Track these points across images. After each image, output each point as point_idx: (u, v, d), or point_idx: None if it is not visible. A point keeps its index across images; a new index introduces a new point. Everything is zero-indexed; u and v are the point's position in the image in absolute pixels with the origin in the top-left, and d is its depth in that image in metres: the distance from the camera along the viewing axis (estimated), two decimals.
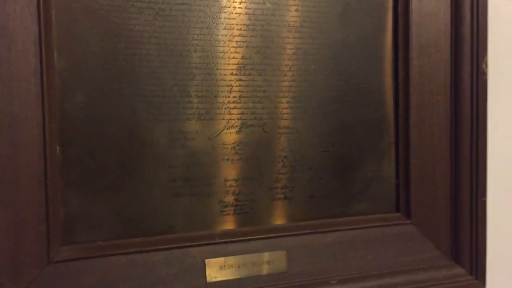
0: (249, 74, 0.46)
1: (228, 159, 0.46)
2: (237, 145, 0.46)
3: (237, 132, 0.46)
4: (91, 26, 0.41)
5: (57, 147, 0.41)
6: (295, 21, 0.47)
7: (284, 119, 0.48)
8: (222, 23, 0.45)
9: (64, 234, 0.41)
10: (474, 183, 0.52)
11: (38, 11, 0.39)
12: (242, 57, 0.45)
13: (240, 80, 0.45)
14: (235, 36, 0.45)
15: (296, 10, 0.47)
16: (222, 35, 0.45)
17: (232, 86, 0.46)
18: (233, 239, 0.46)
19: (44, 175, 0.39)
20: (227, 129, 0.46)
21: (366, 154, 0.51)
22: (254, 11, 0.46)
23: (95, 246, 0.42)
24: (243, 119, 0.46)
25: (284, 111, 0.47)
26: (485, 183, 0.52)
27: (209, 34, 0.44)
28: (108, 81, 0.41)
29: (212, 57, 0.44)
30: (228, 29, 0.45)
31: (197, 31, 0.44)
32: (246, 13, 0.45)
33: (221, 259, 0.45)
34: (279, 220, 0.48)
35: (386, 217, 0.52)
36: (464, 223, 0.52)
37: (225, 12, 0.45)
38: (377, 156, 0.51)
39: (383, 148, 0.51)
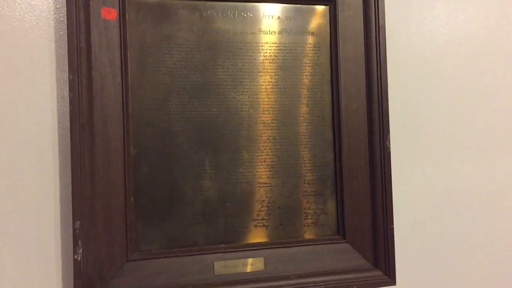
0: (241, 152, 0.77)
1: (228, 203, 0.76)
2: (233, 194, 0.76)
3: (233, 186, 0.76)
4: (151, 132, 0.73)
5: (132, 198, 0.72)
6: (268, 120, 0.78)
7: (262, 177, 0.78)
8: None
9: (135, 245, 0.72)
10: (385, 216, 0.80)
11: (123, 125, 0.71)
12: None
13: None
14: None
15: (269, 113, 0.78)
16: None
17: (230, 161, 0.76)
18: (231, 250, 0.75)
19: (125, 213, 0.71)
20: (227, 185, 0.76)
21: (316, 198, 0.80)
22: (241, 115, 0.77)
23: (151, 252, 0.73)
24: (237, 178, 0.76)
25: (262, 173, 0.78)
26: (392, 216, 0.80)
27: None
28: (160, 161, 0.73)
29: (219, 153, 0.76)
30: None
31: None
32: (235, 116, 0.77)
33: (223, 262, 0.74)
34: (259, 239, 0.78)
35: (330, 238, 0.80)
36: (380, 241, 0.80)
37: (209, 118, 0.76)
38: (324, 199, 0.80)
39: (327, 194, 0.81)
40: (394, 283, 0.79)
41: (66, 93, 0.69)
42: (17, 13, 0.69)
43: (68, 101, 0.68)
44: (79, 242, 0.67)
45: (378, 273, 0.80)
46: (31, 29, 0.69)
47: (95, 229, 0.69)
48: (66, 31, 0.69)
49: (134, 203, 0.72)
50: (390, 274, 0.79)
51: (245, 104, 0.77)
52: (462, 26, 0.87)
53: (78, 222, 0.67)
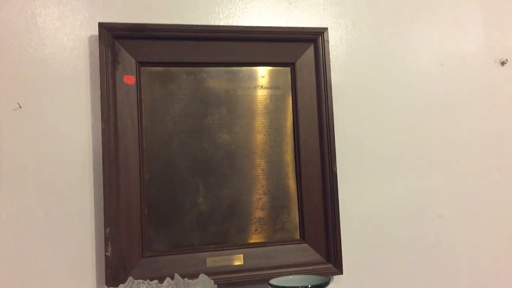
0: (225, 177, 1.02)
1: (216, 214, 1.01)
2: (220, 208, 1.02)
3: (220, 202, 1.02)
4: (159, 163, 0.99)
5: (146, 210, 0.97)
6: (247, 153, 1.04)
7: (242, 195, 1.03)
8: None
9: (148, 246, 0.97)
10: (334, 223, 1.04)
11: (139, 158, 0.97)
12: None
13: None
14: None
15: (247, 148, 1.04)
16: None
17: (218, 183, 1.02)
18: (219, 249, 1.00)
19: (141, 222, 0.96)
20: (215, 201, 1.02)
21: (283, 210, 1.05)
22: (226, 150, 1.03)
23: (160, 251, 0.98)
24: (223, 196, 1.02)
25: (242, 192, 1.03)
26: (339, 223, 1.04)
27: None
28: (165, 184, 0.99)
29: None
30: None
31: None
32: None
33: (213, 258, 0.99)
34: (240, 240, 1.02)
35: (293, 240, 1.04)
36: (331, 242, 1.04)
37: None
38: (289, 210, 1.05)
39: (291, 207, 1.05)
40: (341, 273, 1.04)
41: (99, 137, 0.95)
42: (66, 82, 0.96)
43: (101, 143, 0.94)
44: (109, 243, 0.92)
45: (329, 265, 1.04)
46: (76, 92, 0.96)
47: (119, 234, 0.94)
48: (100, 92, 0.95)
49: (148, 215, 0.97)
50: (338, 266, 1.04)
51: (228, 141, 1.03)
52: (399, 65, 1.13)
53: (108, 229, 0.92)
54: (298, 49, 1.07)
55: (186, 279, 0.85)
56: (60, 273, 0.92)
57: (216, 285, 0.81)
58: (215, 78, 1.04)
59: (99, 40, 0.95)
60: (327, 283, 0.82)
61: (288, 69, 1.07)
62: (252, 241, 1.03)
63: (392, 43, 1.14)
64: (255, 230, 1.03)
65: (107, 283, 0.91)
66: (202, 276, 0.83)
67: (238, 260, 1.00)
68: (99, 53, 0.95)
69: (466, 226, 1.14)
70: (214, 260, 0.99)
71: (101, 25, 0.96)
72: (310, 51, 1.07)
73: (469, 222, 1.14)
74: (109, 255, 0.92)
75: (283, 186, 1.05)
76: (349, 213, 1.07)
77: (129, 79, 0.98)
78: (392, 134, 1.11)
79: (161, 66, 1.01)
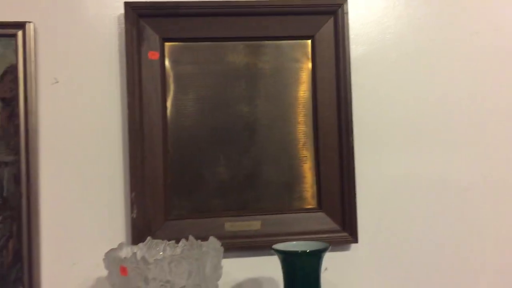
0: (245, 147, 1.07)
1: (236, 183, 1.07)
2: (239, 177, 1.07)
3: (239, 171, 1.07)
4: (182, 134, 1.05)
5: (169, 177, 1.04)
6: (266, 123, 1.08)
7: (261, 165, 1.07)
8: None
9: (172, 210, 1.05)
10: (350, 193, 1.06)
11: (163, 130, 1.04)
12: None
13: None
14: None
15: (265, 119, 1.08)
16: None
17: (237, 153, 1.07)
18: (238, 215, 1.06)
19: (164, 189, 1.03)
20: (235, 170, 1.07)
21: (301, 180, 1.09)
22: (244, 121, 1.07)
23: (183, 215, 1.05)
24: (242, 166, 1.07)
25: (261, 162, 1.07)
26: (355, 193, 1.06)
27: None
28: (188, 154, 1.05)
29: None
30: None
31: None
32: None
33: (231, 223, 1.05)
34: (258, 208, 1.07)
35: (310, 209, 1.08)
36: (346, 211, 1.07)
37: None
38: (306, 180, 1.08)
39: (309, 177, 1.08)
40: (356, 241, 1.06)
41: (126, 110, 1.03)
42: (98, 59, 1.04)
43: (128, 115, 1.02)
44: (134, 206, 1.01)
45: (345, 234, 1.07)
46: (107, 67, 1.04)
47: (145, 198, 1.02)
48: (126, 68, 1.02)
49: (171, 181, 1.05)
50: (353, 234, 1.06)
51: (248, 113, 1.07)
52: (420, 28, 1.11)
53: (133, 193, 1.01)
54: (317, 22, 1.08)
55: (199, 240, 0.92)
56: (93, 233, 1.02)
57: (222, 248, 0.87)
58: (235, 52, 1.07)
59: (125, 18, 1.02)
60: (326, 249, 0.85)
61: (307, 41, 1.09)
62: (269, 208, 1.07)
63: (415, 13, 1.11)
64: (273, 198, 1.07)
65: (133, 243, 0.99)
66: (212, 239, 0.89)
67: (255, 226, 1.05)
68: (125, 31, 1.02)
69: (492, 200, 1.11)
70: (232, 225, 1.05)
71: (127, 4, 1.02)
72: (329, 24, 1.08)
73: (495, 196, 1.11)
74: (134, 217, 1.01)
75: (301, 156, 1.08)
76: (367, 184, 1.08)
77: (154, 55, 1.04)
78: (413, 106, 1.10)
79: (183, 41, 1.06)
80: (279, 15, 1.07)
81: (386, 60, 1.10)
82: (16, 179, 0.99)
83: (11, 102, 1.00)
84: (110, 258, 0.82)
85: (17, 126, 0.99)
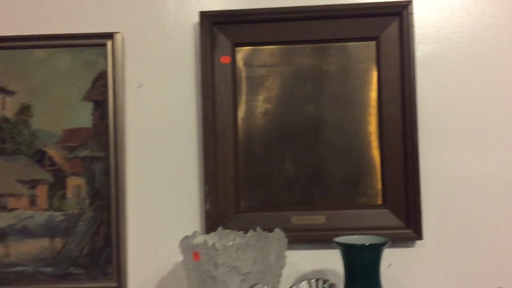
0: (310, 145, 1.12)
1: (302, 178, 1.12)
2: (305, 173, 1.12)
3: (305, 168, 1.12)
4: (251, 132, 1.13)
5: (239, 173, 1.12)
6: (332, 122, 1.12)
7: (326, 162, 1.12)
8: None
9: (241, 203, 1.13)
10: (415, 191, 1.08)
11: (234, 128, 1.12)
12: None
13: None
14: None
15: (331, 118, 1.12)
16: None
17: (303, 150, 1.12)
18: (303, 210, 1.11)
19: (235, 183, 1.11)
20: (301, 166, 1.12)
21: (365, 177, 1.12)
22: (311, 120, 1.12)
23: (252, 208, 1.12)
24: (308, 162, 1.12)
25: (327, 159, 1.12)
26: (419, 190, 1.08)
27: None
28: (257, 150, 1.12)
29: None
30: None
31: None
32: None
33: (297, 216, 1.11)
34: (323, 203, 1.12)
35: (374, 205, 1.11)
36: (411, 208, 1.08)
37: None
38: (371, 177, 1.11)
39: (373, 174, 1.11)
40: (421, 238, 1.08)
41: (201, 111, 1.12)
42: (176, 64, 1.14)
43: (202, 116, 1.11)
44: (208, 199, 1.10)
45: (409, 231, 1.08)
46: (185, 72, 1.14)
47: (217, 192, 1.11)
48: (201, 72, 1.12)
49: (241, 178, 1.12)
50: (418, 231, 1.08)
51: (315, 113, 1.12)
52: (487, 26, 1.10)
53: (207, 187, 1.10)
54: (382, 23, 1.11)
55: (265, 232, 0.98)
56: (172, 222, 1.12)
57: (286, 240, 0.93)
58: (302, 55, 1.13)
59: (200, 26, 1.11)
60: (385, 243, 0.88)
61: (373, 43, 1.12)
62: (334, 204, 1.11)
63: (483, 11, 1.10)
64: (338, 194, 1.12)
65: (206, 232, 1.08)
66: (277, 230, 0.96)
67: (320, 220, 1.10)
68: (200, 38, 1.11)
69: None
70: (298, 218, 1.11)
71: (202, 13, 1.11)
72: (394, 25, 1.10)
73: None
74: (208, 208, 1.10)
75: (366, 154, 1.11)
76: (431, 182, 1.09)
77: (225, 59, 1.12)
78: (479, 105, 1.09)
79: (253, 45, 1.13)
80: (344, 18, 1.11)
81: (452, 60, 1.10)
82: (106, 172, 1.12)
83: (102, 104, 1.13)
84: (185, 244, 0.91)
85: (107, 126, 1.12)
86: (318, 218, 1.10)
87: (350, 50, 1.13)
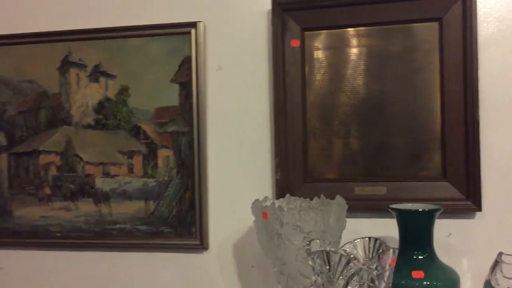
0: (375, 121, 1.20)
1: (365, 152, 1.21)
2: (369, 147, 1.21)
3: (369, 142, 1.21)
4: (317, 109, 1.23)
5: (307, 145, 1.23)
6: (393, 100, 1.19)
7: (388, 137, 1.20)
8: None
9: (309, 174, 1.23)
10: (475, 164, 1.12)
11: (302, 106, 1.23)
12: None
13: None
14: None
15: (393, 95, 1.19)
16: None
17: (368, 125, 1.21)
18: (366, 180, 1.20)
19: (303, 155, 1.23)
20: (365, 141, 1.21)
21: (426, 152, 1.18)
22: (373, 97, 1.20)
23: (318, 178, 1.23)
24: (371, 137, 1.21)
25: (389, 134, 1.20)
26: (479, 164, 1.12)
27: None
28: (325, 126, 1.22)
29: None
30: None
31: None
32: None
33: (360, 187, 1.20)
34: (385, 175, 1.20)
35: (435, 178, 1.17)
36: (471, 181, 1.13)
37: None
38: (432, 152, 1.17)
39: (435, 149, 1.17)
40: (480, 209, 1.13)
41: (272, 90, 1.24)
42: (252, 48, 1.27)
43: (273, 94, 1.23)
44: (278, 169, 1.22)
45: (468, 202, 1.13)
46: (259, 55, 1.26)
47: (287, 163, 1.23)
48: (272, 55, 1.23)
49: (309, 151, 1.23)
50: (477, 203, 1.13)
51: (380, 91, 1.19)
52: None
53: (277, 158, 1.22)
54: (446, 4, 1.15)
55: (328, 199, 1.09)
56: (247, 189, 1.26)
57: (346, 205, 1.03)
58: (367, 37, 1.20)
59: (272, 13, 1.22)
60: (437, 210, 0.95)
61: (436, 23, 1.17)
62: (395, 176, 1.19)
63: None
64: (399, 167, 1.19)
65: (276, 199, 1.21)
66: (338, 197, 1.06)
67: (381, 191, 1.19)
68: (272, 24, 1.23)
69: None
70: (361, 189, 1.20)
71: (274, 1, 1.22)
72: (458, 5, 1.14)
73: None
74: (278, 178, 1.22)
75: (428, 130, 1.17)
76: (492, 156, 1.13)
77: (295, 43, 1.23)
78: None
79: (320, 29, 1.23)
80: (409, 0, 1.17)
81: None
82: (190, 145, 1.28)
83: (186, 85, 1.28)
84: (256, 206, 1.04)
85: (191, 104, 1.28)
86: (380, 189, 1.19)
87: (414, 31, 1.18)
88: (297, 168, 1.23)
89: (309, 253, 0.83)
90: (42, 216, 1.36)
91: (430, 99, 1.17)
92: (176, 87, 1.29)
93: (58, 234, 1.35)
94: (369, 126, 1.20)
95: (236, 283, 1.27)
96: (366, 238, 0.90)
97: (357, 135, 1.21)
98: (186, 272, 1.29)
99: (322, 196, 1.10)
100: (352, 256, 0.80)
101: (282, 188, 1.22)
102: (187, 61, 1.28)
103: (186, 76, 1.28)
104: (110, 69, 1.32)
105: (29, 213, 1.37)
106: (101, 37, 1.32)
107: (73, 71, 1.34)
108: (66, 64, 1.34)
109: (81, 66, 1.34)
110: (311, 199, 1.12)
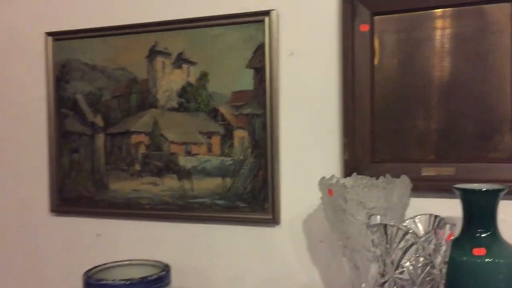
0: (439, 99, 1.22)
1: (431, 134, 1.23)
2: (436, 129, 1.23)
3: (437, 123, 1.23)
4: (384, 88, 1.26)
5: (375, 127, 1.27)
6: (461, 79, 1.20)
7: (452, 118, 1.21)
8: None
9: (376, 154, 1.27)
10: None
11: (370, 84, 1.27)
12: None
13: None
14: None
15: (459, 75, 1.20)
16: None
17: (435, 105, 1.22)
18: (433, 161, 1.22)
19: (370, 136, 1.27)
20: (431, 121, 1.23)
21: (495, 134, 1.17)
22: (437, 77, 1.21)
23: (384, 159, 1.27)
24: (440, 117, 1.22)
25: (455, 114, 1.21)
26: None
27: None
28: (390, 103, 1.26)
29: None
30: None
31: None
32: None
33: (427, 168, 1.22)
34: (452, 156, 1.21)
35: (507, 160, 1.16)
36: None
37: None
38: (502, 134, 1.17)
39: (504, 131, 1.17)
40: None
41: (342, 73, 1.29)
42: (319, 34, 1.32)
43: (342, 77, 1.28)
44: (346, 149, 1.28)
45: None
46: (330, 40, 1.32)
47: (354, 143, 1.28)
48: (342, 39, 1.28)
49: (377, 132, 1.27)
50: None
51: (447, 72, 1.21)
52: None
53: (345, 139, 1.28)
54: None
55: (394, 178, 1.13)
56: (316, 167, 1.33)
57: (410, 184, 1.07)
58: (436, 19, 1.22)
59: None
60: (500, 190, 0.96)
61: (508, 4, 1.15)
62: (465, 157, 1.20)
63: None
64: (468, 149, 1.20)
65: None
66: (403, 176, 1.10)
67: (449, 172, 1.21)
68: (342, 9, 1.27)
69: None
70: (427, 169, 1.22)
71: None
72: None
73: None
74: (346, 158, 1.28)
75: (499, 111, 1.17)
76: None
77: (364, 27, 1.27)
78: None
79: (390, 14, 1.25)
80: None
81: None
82: (264, 126, 1.37)
83: (260, 70, 1.37)
84: (322, 183, 1.11)
85: (264, 88, 1.36)
86: (447, 170, 1.21)
87: (486, 13, 1.18)
88: (365, 148, 1.27)
89: (368, 226, 0.88)
90: (133, 190, 1.52)
91: (501, 80, 1.16)
92: (251, 72, 1.38)
93: (147, 206, 1.50)
94: (438, 107, 1.22)
95: (305, 256, 1.35)
96: (427, 215, 0.93)
97: (426, 116, 1.23)
98: (258, 244, 1.39)
99: (387, 175, 1.15)
100: (409, 229, 0.84)
101: (350, 168, 1.27)
102: (261, 47, 1.36)
103: (260, 62, 1.36)
104: (191, 57, 1.44)
105: (122, 187, 1.53)
106: (184, 27, 1.44)
107: (159, 59, 1.48)
108: (153, 53, 1.48)
109: (166, 54, 1.47)
110: (377, 178, 1.17)
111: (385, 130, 1.27)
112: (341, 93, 1.29)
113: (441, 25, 1.21)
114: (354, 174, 1.20)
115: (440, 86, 1.21)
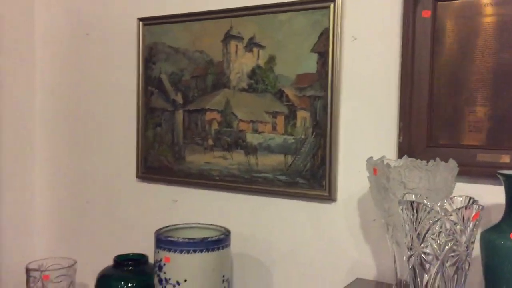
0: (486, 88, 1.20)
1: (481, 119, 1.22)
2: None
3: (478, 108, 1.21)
4: (448, 74, 1.27)
5: (432, 112, 1.29)
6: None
7: (486, 106, 1.19)
8: None
9: (430, 139, 1.29)
10: None
11: (430, 70, 1.28)
12: None
13: None
14: None
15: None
16: None
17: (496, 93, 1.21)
18: (489, 148, 1.21)
19: (427, 119, 1.29)
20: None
21: None
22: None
23: (441, 143, 1.28)
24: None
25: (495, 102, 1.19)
26: None
27: None
28: (449, 94, 1.26)
29: None
30: None
31: None
32: None
33: (482, 154, 1.22)
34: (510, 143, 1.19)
35: None
36: None
37: None
38: None
39: None
40: None
41: (401, 57, 1.32)
42: (381, 18, 1.35)
43: (401, 62, 1.31)
44: (401, 133, 1.31)
45: None
46: (387, 27, 1.35)
47: (410, 127, 1.30)
48: (402, 24, 1.31)
49: (433, 117, 1.29)
50: None
51: (506, 59, 1.19)
52: None
53: (401, 123, 1.31)
54: None
55: (442, 161, 1.15)
56: (371, 150, 1.37)
57: (456, 169, 1.09)
58: (501, 5, 1.20)
59: None
60: None
61: None
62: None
63: None
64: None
65: None
66: (451, 160, 1.12)
67: (504, 159, 1.20)
68: None
69: None
70: (483, 156, 1.22)
71: None
72: None
73: None
74: (401, 141, 1.31)
75: None
76: None
77: (426, 13, 1.28)
78: None
79: (452, 0, 1.25)
80: None
81: None
82: (325, 108, 1.43)
83: (324, 54, 1.43)
84: (369, 162, 1.16)
85: (326, 72, 1.43)
86: (503, 157, 1.20)
87: None
88: (420, 132, 1.30)
89: (399, 202, 0.93)
90: (206, 162, 1.67)
91: None
92: (315, 56, 1.45)
93: (218, 178, 1.64)
94: (496, 94, 1.21)
95: (358, 233, 1.41)
96: (464, 196, 0.96)
97: (484, 103, 1.22)
98: (314, 219, 1.47)
99: (437, 159, 1.17)
100: (433, 205, 0.88)
101: (404, 151, 1.30)
102: (325, 32, 1.42)
103: (324, 46, 1.43)
104: (261, 41, 1.54)
105: (197, 159, 1.69)
106: (255, 13, 1.54)
107: (233, 43, 1.60)
108: (228, 37, 1.60)
109: (239, 38, 1.58)
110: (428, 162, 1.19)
111: (442, 115, 1.28)
112: (399, 78, 1.32)
113: (503, 12, 1.18)
114: (405, 156, 1.24)
115: (499, 73, 1.20)
